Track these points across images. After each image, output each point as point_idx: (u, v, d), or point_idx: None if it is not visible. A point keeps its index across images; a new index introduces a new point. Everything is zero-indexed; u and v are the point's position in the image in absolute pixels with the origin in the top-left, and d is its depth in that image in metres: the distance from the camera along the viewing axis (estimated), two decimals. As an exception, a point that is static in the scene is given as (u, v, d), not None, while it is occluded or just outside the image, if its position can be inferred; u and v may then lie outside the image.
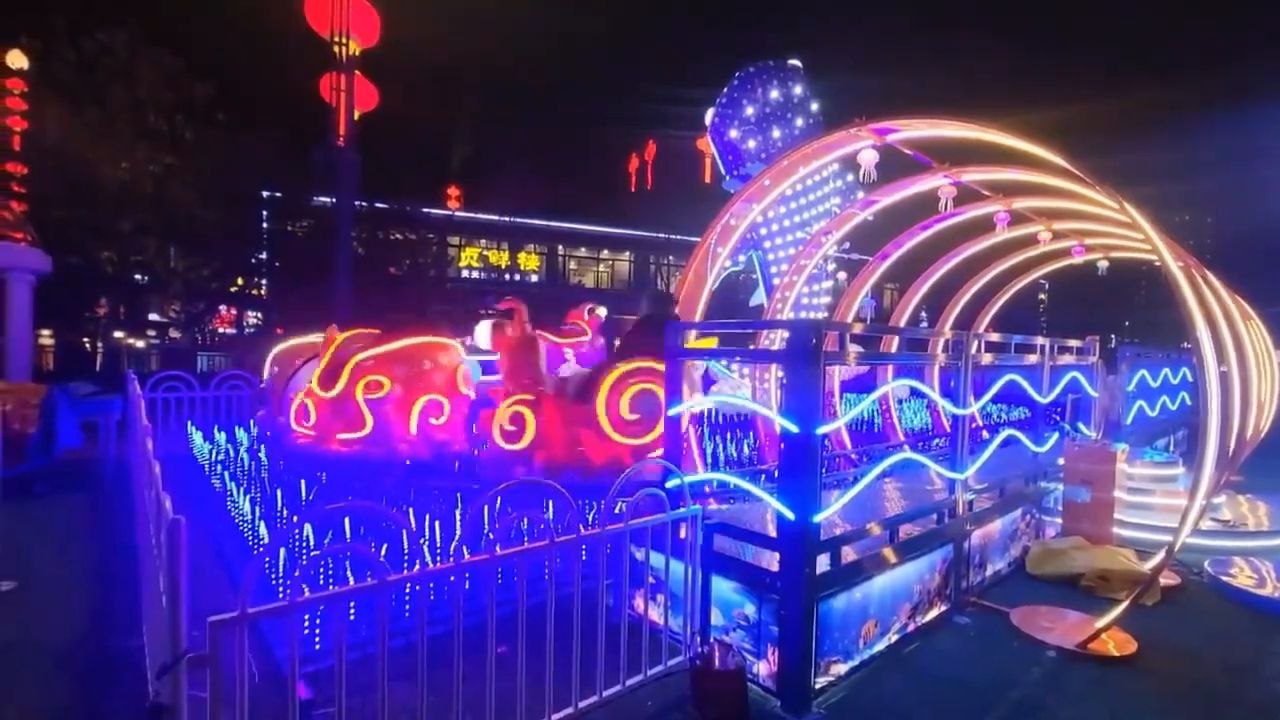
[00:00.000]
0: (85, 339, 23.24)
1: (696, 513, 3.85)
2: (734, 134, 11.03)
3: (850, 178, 12.19)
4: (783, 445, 3.62)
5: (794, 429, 3.50)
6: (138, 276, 21.72)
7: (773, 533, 3.81)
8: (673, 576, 4.12)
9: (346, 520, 5.12)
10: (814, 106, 11.29)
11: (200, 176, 20.44)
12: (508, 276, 35.57)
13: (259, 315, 27.35)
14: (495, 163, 34.14)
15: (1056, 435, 6.63)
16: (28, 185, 19.19)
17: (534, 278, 36.55)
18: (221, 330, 29.18)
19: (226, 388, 10.16)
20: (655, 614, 4.19)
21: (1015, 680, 3.97)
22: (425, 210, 24.49)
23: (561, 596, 3.16)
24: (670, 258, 39.65)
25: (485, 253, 35.17)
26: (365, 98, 14.84)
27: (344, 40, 11.94)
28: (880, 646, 4.11)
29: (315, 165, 14.66)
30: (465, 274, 33.95)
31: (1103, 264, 11.96)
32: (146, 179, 20.12)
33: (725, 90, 11.16)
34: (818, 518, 3.54)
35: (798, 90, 11.14)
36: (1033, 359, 6.42)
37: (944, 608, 4.75)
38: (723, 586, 3.91)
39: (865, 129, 5.68)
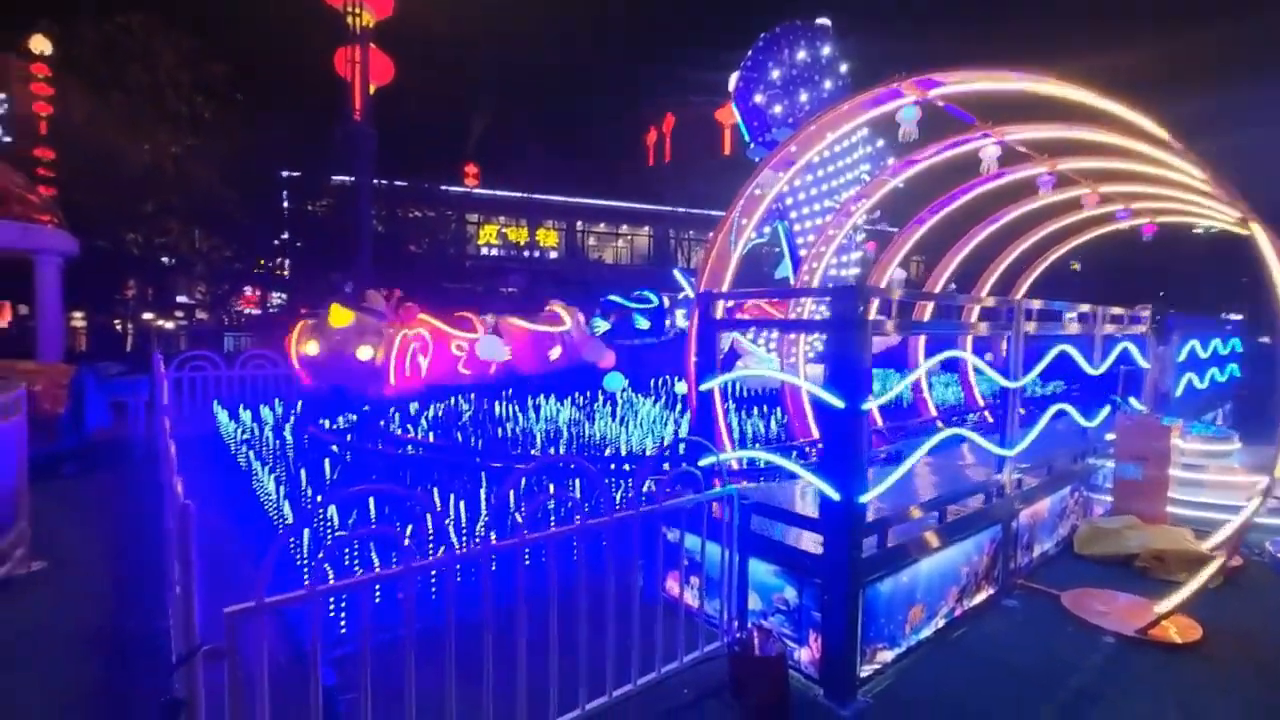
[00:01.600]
0: (116, 321, 23.63)
1: (733, 492, 3.65)
2: (759, 99, 10.58)
3: (880, 143, 11.70)
4: (821, 421, 3.40)
5: (839, 403, 3.27)
6: (163, 259, 21.94)
7: (812, 513, 3.61)
8: (708, 558, 3.95)
9: (371, 501, 5.02)
10: (843, 68, 10.78)
11: (220, 156, 20.45)
12: (526, 253, 35.37)
13: (282, 295, 27.57)
14: (512, 138, 33.66)
15: (1107, 409, 6.29)
16: (54, 169, 19.40)
17: (553, 254, 36.30)
18: (246, 310, 29.50)
19: (252, 366, 10.16)
20: (690, 597, 4.03)
21: (1072, 667, 3.75)
22: (444, 188, 24.30)
23: (592, 579, 3.01)
24: (691, 232, 39.07)
25: (504, 230, 34.95)
26: (381, 71, 14.58)
27: (357, 11, 11.66)
28: (927, 632, 3.91)
29: (334, 141, 14.49)
30: (484, 251, 33.81)
31: (1148, 229, 11.39)
32: (168, 160, 20.20)
33: (750, 53, 10.69)
34: (864, 498, 3.33)
35: (826, 51, 10.63)
36: (1075, 329, 6.07)
37: (992, 590, 4.53)
38: (761, 569, 3.72)
39: (907, 82, 5.30)
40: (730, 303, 4.80)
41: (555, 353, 12.18)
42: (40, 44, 20.37)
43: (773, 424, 9.03)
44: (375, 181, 17.52)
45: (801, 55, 10.49)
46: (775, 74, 10.48)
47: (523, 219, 34.95)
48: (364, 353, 9.26)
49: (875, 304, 3.32)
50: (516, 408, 9.82)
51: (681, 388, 11.60)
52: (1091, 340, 5.90)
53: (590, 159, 36.36)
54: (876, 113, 5.91)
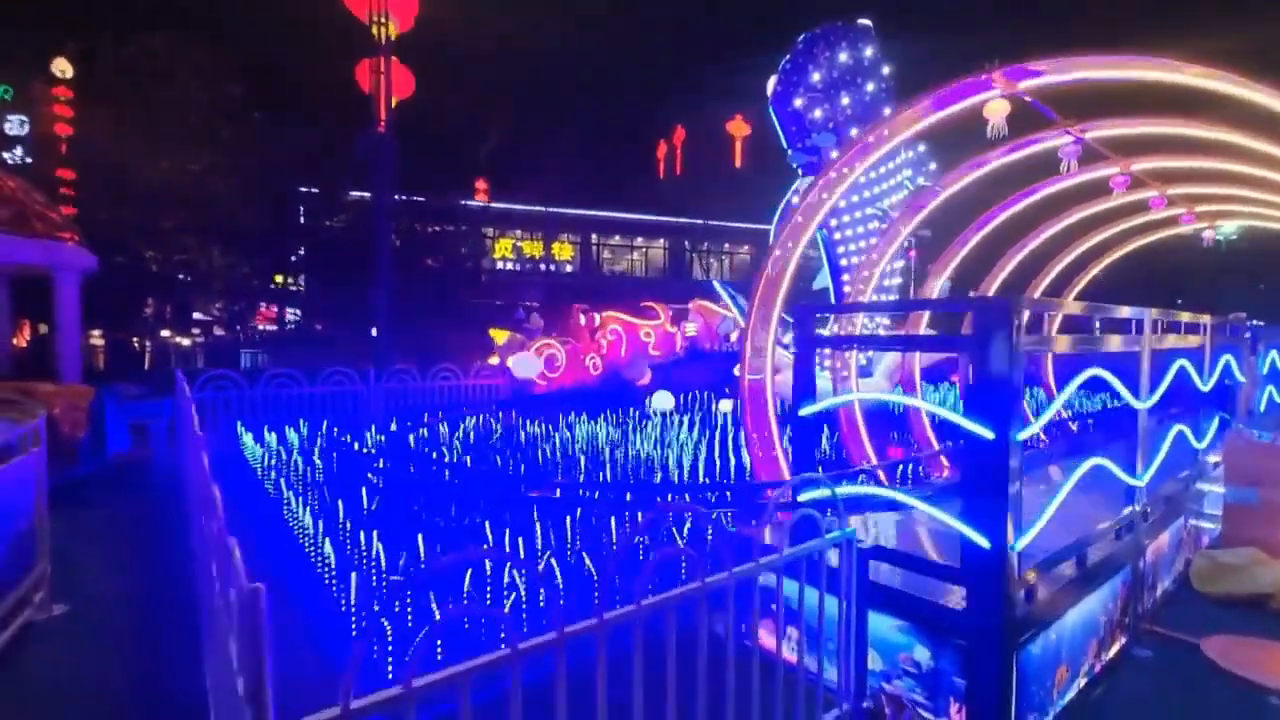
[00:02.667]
0: (134, 339, 23.48)
1: (851, 535, 3.16)
2: (799, 102, 10.17)
3: (921, 148, 11.24)
4: (962, 454, 2.91)
5: (987, 434, 2.78)
6: (180, 276, 21.79)
7: (933, 555, 3.12)
8: (806, 606, 3.46)
9: (420, 538, 4.55)
10: (885, 70, 10.36)
11: (237, 173, 20.33)
12: (543, 267, 35.10)
13: (296, 312, 27.38)
14: (528, 152, 33.53)
15: (1214, 427, 5.74)
16: (75, 188, 19.33)
17: (569, 267, 36.02)
18: (263, 327, 29.35)
19: (275, 385, 9.78)
20: (787, 651, 3.54)
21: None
22: (462, 202, 24.09)
23: (682, 630, 2.50)
24: (706, 244, 38.79)
25: (519, 244, 34.70)
26: (402, 84, 14.34)
27: (384, 20, 11.41)
28: (1071, 695, 3.39)
29: (356, 153, 14.24)
30: (500, 265, 33.55)
31: (1208, 234, 10.84)
32: (185, 177, 20.08)
33: (789, 56, 10.30)
34: (1020, 544, 2.83)
35: (869, 52, 10.22)
36: (1171, 340, 5.55)
37: (1123, 640, 3.99)
38: (883, 624, 3.23)
39: (998, 74, 4.86)
40: (831, 320, 4.33)
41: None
42: (62, 66, 20.43)
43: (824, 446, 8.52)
44: (396, 196, 17.29)
45: (843, 57, 10.09)
46: (816, 77, 10.08)
47: (538, 232, 34.72)
48: (513, 363, 12.52)
49: (1026, 316, 2.84)
50: (549, 427, 9.39)
51: (725, 405, 11.13)
52: (1202, 353, 5.38)
53: (604, 172, 36.16)
54: (958, 108, 5.46)
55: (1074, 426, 9.87)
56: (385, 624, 3.38)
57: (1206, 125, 5.68)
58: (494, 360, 13.07)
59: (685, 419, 10.21)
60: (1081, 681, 3.51)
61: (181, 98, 19.85)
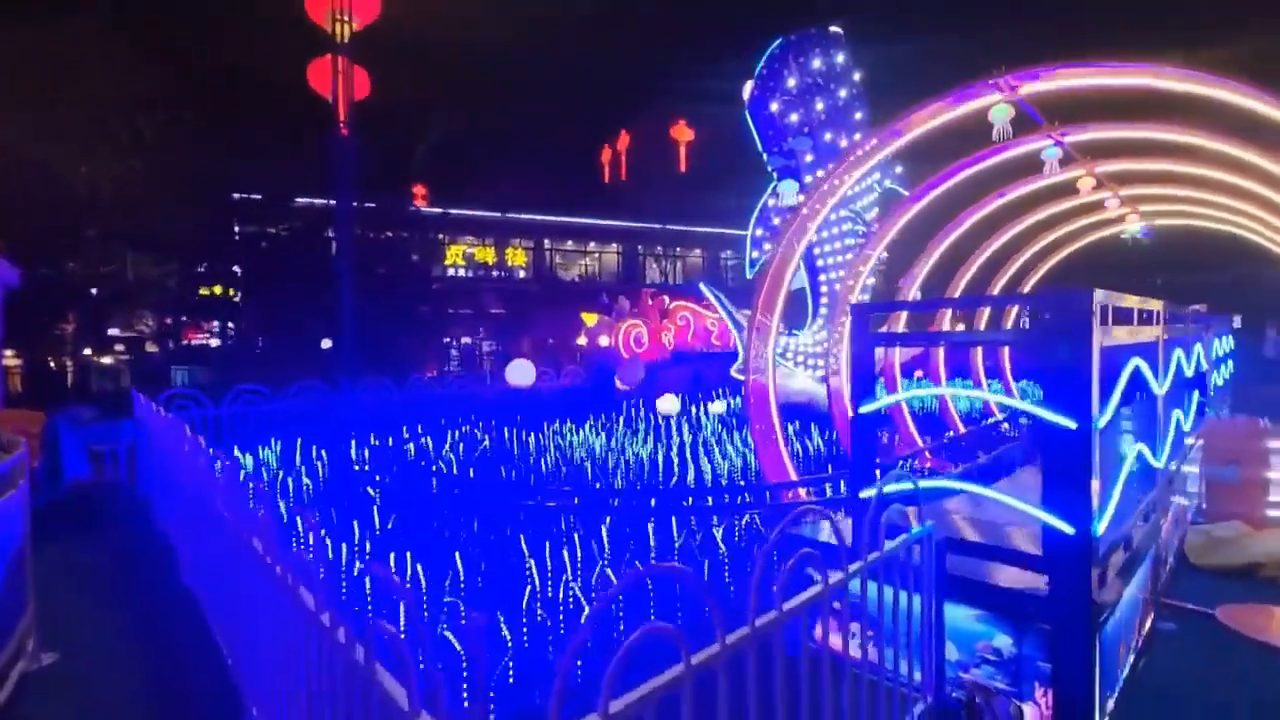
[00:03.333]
0: (51, 358, 21.62)
1: (931, 530, 3.20)
2: (775, 107, 10.38)
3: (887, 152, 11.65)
4: (1044, 444, 3.00)
5: (1069, 424, 2.88)
6: (103, 289, 20.24)
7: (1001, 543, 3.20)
8: (869, 599, 3.50)
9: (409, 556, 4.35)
10: (856, 76, 10.69)
11: (169, 177, 19.07)
12: (495, 273, 34.46)
13: (230, 325, 25.85)
14: (478, 155, 32.87)
15: (1194, 410, 6.16)
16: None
17: (521, 274, 35.50)
18: (195, 342, 27.56)
19: (241, 403, 9.18)
20: (853, 648, 3.58)
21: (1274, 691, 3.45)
22: (414, 208, 23.38)
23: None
24: (659, 248, 39.06)
25: (470, 250, 33.95)
26: (359, 85, 13.78)
27: (345, 18, 10.92)
28: (1125, 671, 3.55)
29: (311, 157, 13.57)
30: (450, 272, 32.73)
31: (1133, 230, 11.65)
32: (106, 181, 18.67)
33: (764, 62, 10.49)
34: (1100, 529, 2.94)
35: (840, 59, 10.53)
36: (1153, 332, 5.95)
37: (1152, 615, 4.22)
38: (958, 615, 3.29)
39: (1005, 80, 5.08)
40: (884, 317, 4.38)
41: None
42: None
43: (816, 443, 8.68)
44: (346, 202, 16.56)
45: (817, 63, 10.35)
46: (791, 82, 10.30)
47: (489, 238, 34.07)
48: (603, 340, 14.33)
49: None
50: (546, 434, 9.20)
51: (717, 407, 11.17)
52: (1190, 342, 5.76)
53: (555, 176, 35.84)
54: (962, 111, 5.66)
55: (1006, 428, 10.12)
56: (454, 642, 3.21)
57: (1169, 129, 6.09)
58: (582, 341, 14.83)
59: (687, 421, 10.20)
60: (1130, 657, 3.68)
61: (100, 93, 18.44)
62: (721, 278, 36.39)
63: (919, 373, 15.14)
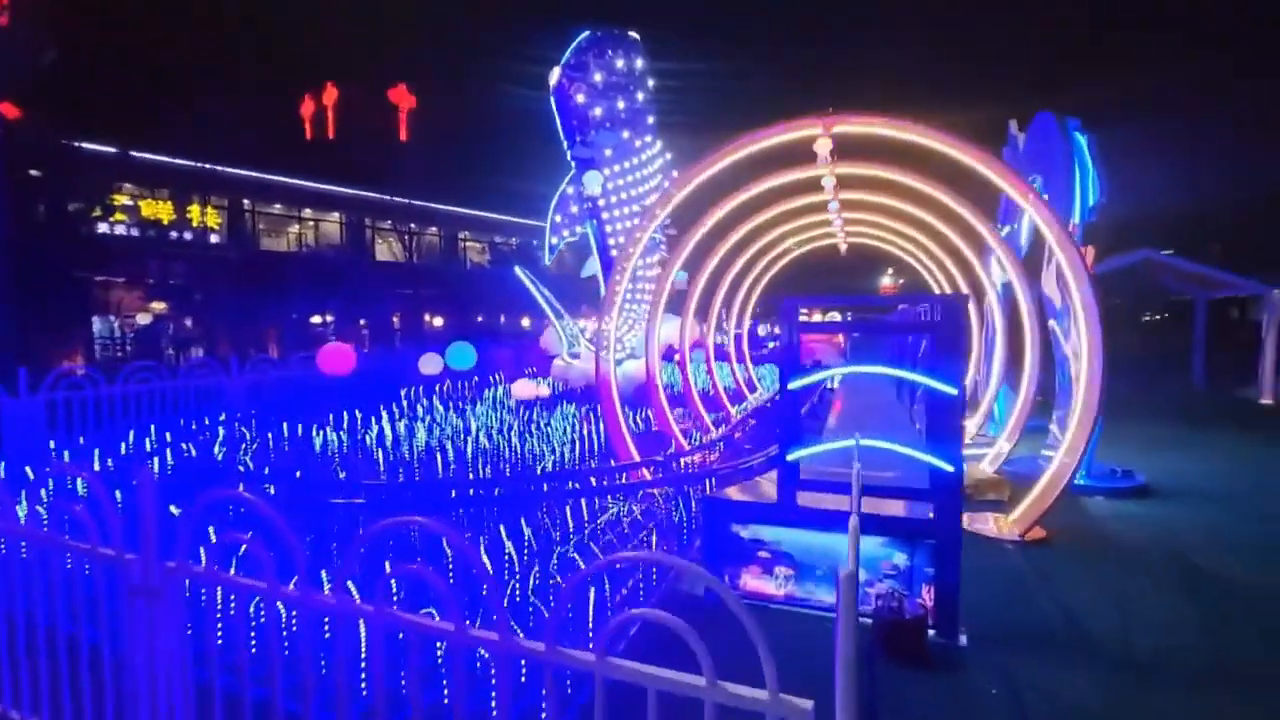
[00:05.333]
0: None
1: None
2: (581, 98, 10.68)
3: (669, 155, 12.90)
4: (930, 406, 4.03)
5: (950, 390, 3.95)
6: None
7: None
8: (788, 543, 4.27)
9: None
10: (650, 83, 11.58)
11: None
12: (174, 234, 27.68)
13: None
14: (154, 91, 25.77)
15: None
16: None
17: (214, 238, 29.22)
18: None
19: (135, 381, 8.09)
20: (775, 588, 4.32)
21: (1017, 566, 5.21)
22: (76, 144, 17.67)
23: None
24: (390, 221, 35.97)
25: (137, 203, 26.64)
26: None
27: None
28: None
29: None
30: (111, 229, 25.34)
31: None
32: None
33: (572, 52, 10.69)
34: (965, 468, 4.08)
35: (639, 64, 11.29)
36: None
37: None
38: (867, 543, 4.19)
39: (830, 119, 6.27)
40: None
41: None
42: None
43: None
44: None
45: (620, 63, 10.94)
46: (598, 76, 10.71)
47: (168, 191, 27.19)
48: None
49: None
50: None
51: (520, 388, 10.90)
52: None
53: (254, 127, 30.08)
54: (789, 138, 6.76)
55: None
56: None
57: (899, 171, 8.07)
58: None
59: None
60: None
61: None
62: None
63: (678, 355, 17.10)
